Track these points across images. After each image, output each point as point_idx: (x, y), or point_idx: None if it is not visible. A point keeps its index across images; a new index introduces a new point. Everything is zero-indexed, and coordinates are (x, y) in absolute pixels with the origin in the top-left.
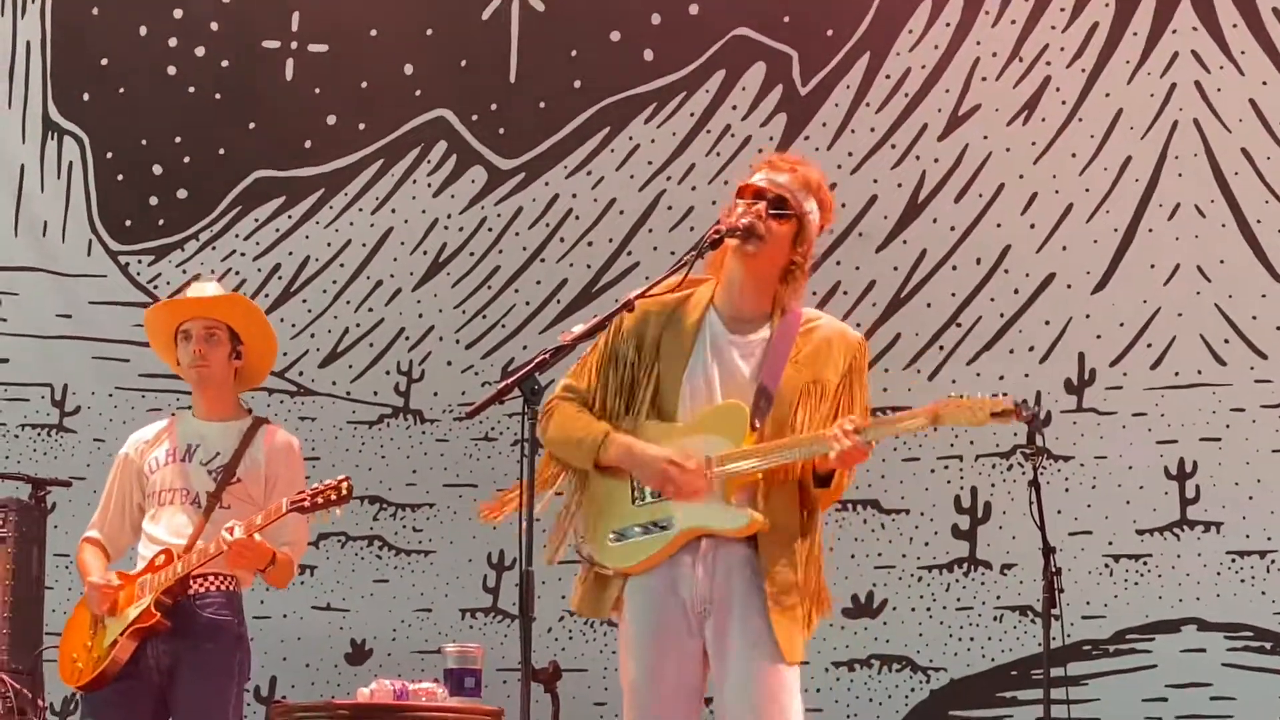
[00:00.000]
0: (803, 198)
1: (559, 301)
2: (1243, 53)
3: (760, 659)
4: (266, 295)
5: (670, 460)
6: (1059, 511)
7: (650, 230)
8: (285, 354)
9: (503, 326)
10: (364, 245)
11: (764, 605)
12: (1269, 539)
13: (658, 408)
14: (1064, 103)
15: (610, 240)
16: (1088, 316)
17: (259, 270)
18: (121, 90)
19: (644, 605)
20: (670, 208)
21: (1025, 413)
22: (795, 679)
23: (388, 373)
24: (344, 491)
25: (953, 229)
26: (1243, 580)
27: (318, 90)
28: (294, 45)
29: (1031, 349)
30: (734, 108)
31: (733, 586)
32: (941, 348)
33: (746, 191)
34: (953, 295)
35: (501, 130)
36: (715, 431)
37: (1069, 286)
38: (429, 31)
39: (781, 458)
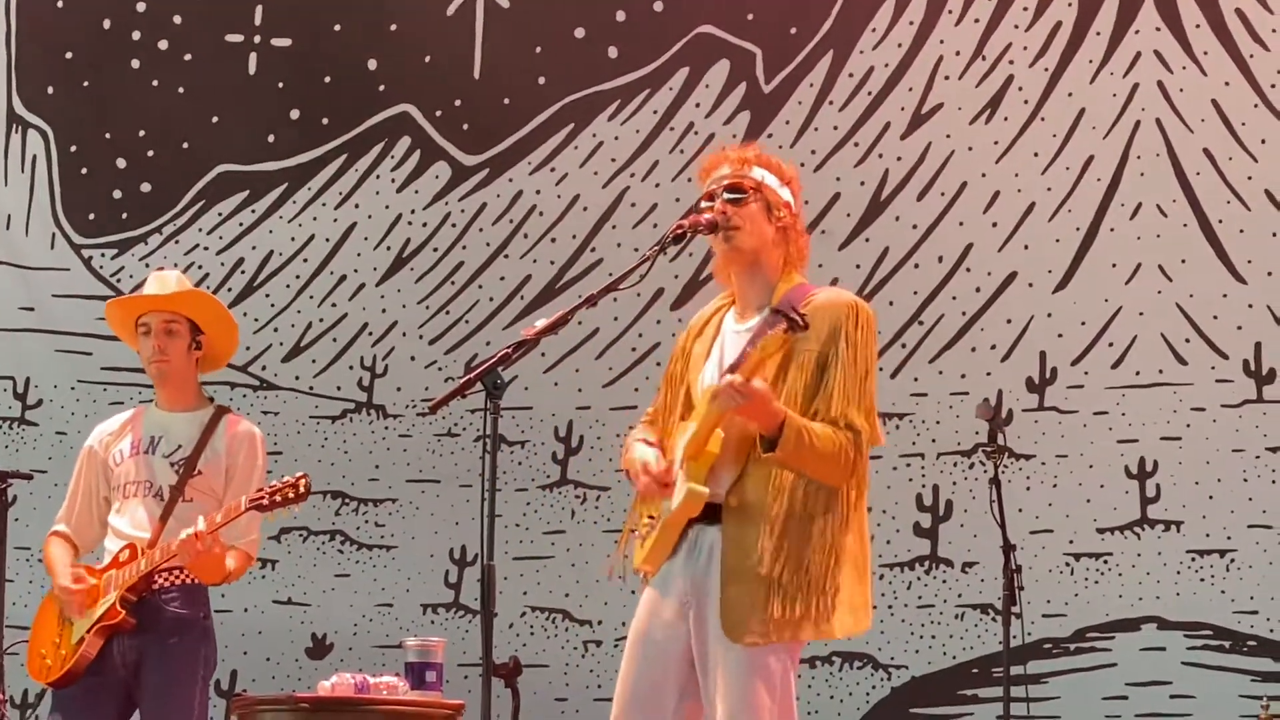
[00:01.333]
0: (748, 171)
1: (522, 298)
2: (1205, 53)
3: (721, 644)
4: (230, 289)
5: (643, 464)
6: (1020, 510)
7: (614, 227)
8: (248, 348)
9: (466, 322)
10: (327, 240)
11: (722, 584)
12: (1229, 538)
13: (689, 410)
14: (1026, 102)
15: (574, 237)
16: (1049, 315)
17: (222, 264)
18: (86, 83)
19: (644, 606)
20: (634, 204)
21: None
22: (767, 659)
23: (351, 368)
24: (301, 489)
25: (915, 227)
26: (1202, 579)
27: (281, 84)
28: (257, 39)
29: (993, 347)
30: (697, 105)
31: (709, 570)
32: (904, 346)
33: (704, 199)
34: (915, 293)
35: (465, 126)
36: (694, 418)
37: (1031, 285)
38: (393, 27)
39: (705, 424)
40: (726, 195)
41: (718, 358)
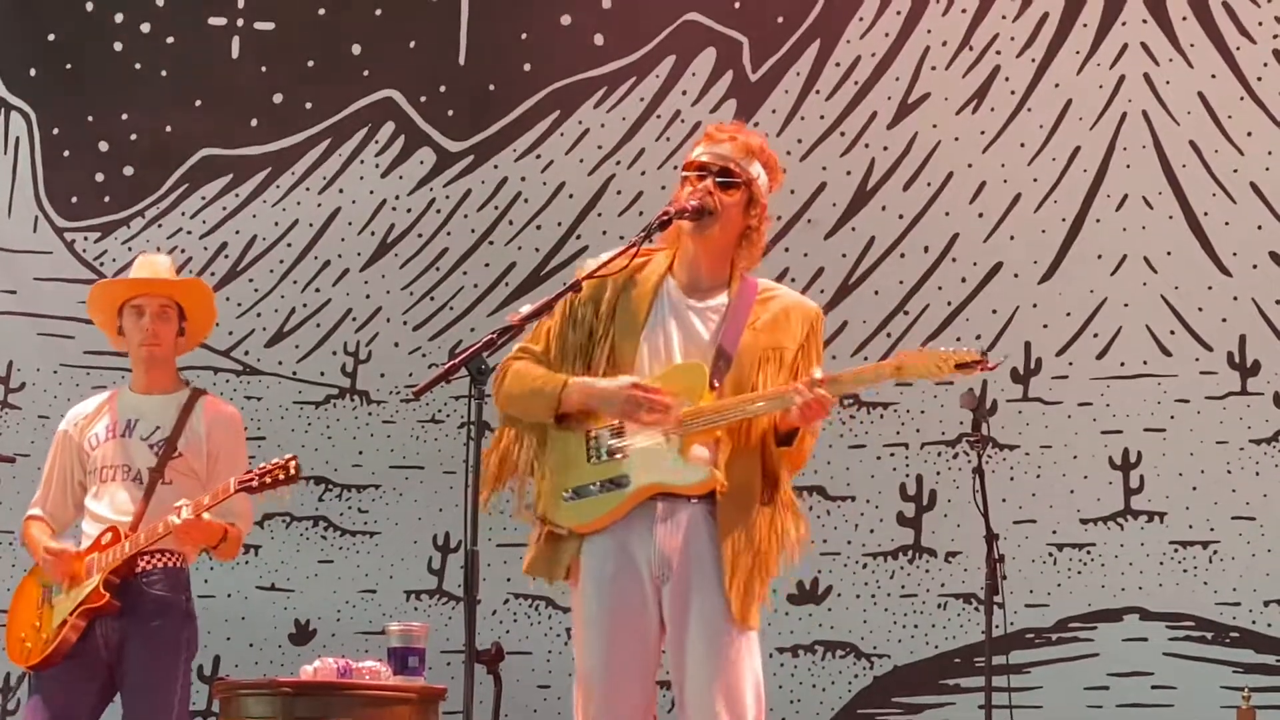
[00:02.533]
0: (747, 164)
1: (507, 284)
2: (1192, 45)
3: (720, 625)
4: (213, 274)
5: (635, 384)
6: (1004, 500)
7: (599, 214)
8: (231, 333)
9: (450, 309)
10: (311, 225)
11: (721, 570)
12: (1211, 529)
13: (615, 368)
14: (1013, 93)
15: (559, 224)
16: (1034, 306)
17: (205, 249)
18: (68, 66)
19: (599, 574)
20: (620, 192)
21: (991, 362)
22: (755, 645)
23: (334, 353)
24: (291, 471)
25: (901, 217)
26: (1185, 570)
27: (264, 68)
28: (240, 23)
29: (978, 337)
30: (684, 93)
31: (691, 550)
32: (889, 335)
33: (690, 167)
34: (900, 283)
35: (450, 112)
36: (673, 391)
37: (1016, 276)
38: (377, 12)
39: (743, 412)
40: (719, 177)
41: (668, 326)
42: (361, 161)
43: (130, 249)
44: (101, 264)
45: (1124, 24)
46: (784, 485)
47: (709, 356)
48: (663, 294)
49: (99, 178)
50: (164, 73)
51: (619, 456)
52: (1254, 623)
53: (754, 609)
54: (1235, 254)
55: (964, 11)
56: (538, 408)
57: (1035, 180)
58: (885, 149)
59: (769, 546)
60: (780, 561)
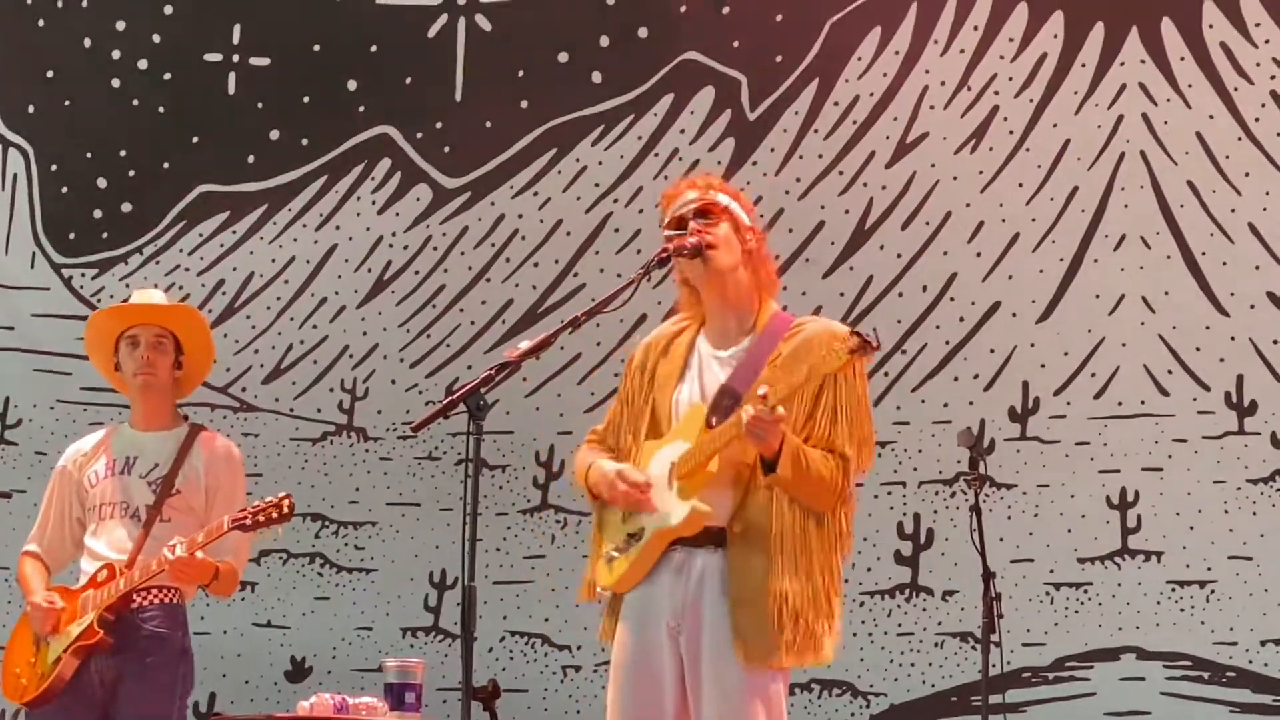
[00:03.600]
0: (711, 196)
1: (504, 322)
2: (1190, 86)
3: (728, 669)
4: (210, 310)
5: (618, 473)
6: (1001, 539)
7: (597, 252)
8: (228, 370)
9: (447, 346)
10: (308, 262)
11: (729, 608)
12: (1209, 569)
13: (656, 429)
14: (1011, 132)
15: (556, 261)
16: (1032, 345)
17: (203, 285)
18: (67, 102)
19: (626, 629)
20: (617, 230)
21: (874, 341)
22: (767, 684)
23: (331, 390)
24: (285, 510)
25: (899, 256)
26: (1182, 610)
27: (260, 105)
28: (236, 59)
29: (976, 377)
30: (682, 131)
31: (704, 595)
32: (886, 374)
33: (671, 226)
34: (898, 322)
35: (446, 149)
36: (681, 437)
37: (1014, 315)
38: (373, 48)
39: (714, 444)
40: (698, 219)
41: (694, 380)
42: (358, 198)
43: (128, 285)
44: (99, 300)
45: (1122, 64)
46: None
47: (712, 397)
48: (695, 352)
49: (97, 214)
50: (161, 109)
51: (642, 511)
52: (1250, 662)
53: (768, 651)
54: (1233, 294)
55: (962, 52)
56: (583, 488)
57: (1033, 220)
58: (884, 188)
59: (789, 585)
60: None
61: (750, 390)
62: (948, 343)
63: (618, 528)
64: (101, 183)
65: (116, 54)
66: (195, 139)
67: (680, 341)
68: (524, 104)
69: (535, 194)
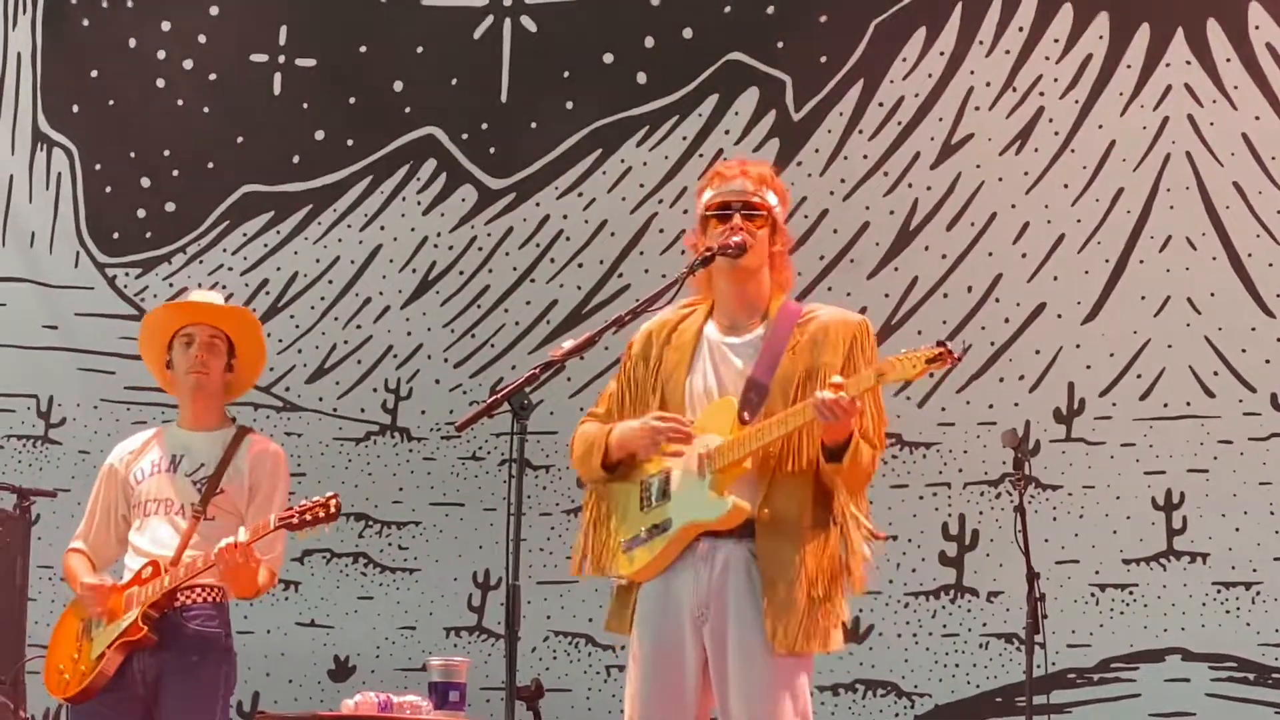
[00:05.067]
0: (764, 194)
1: (548, 322)
2: (1235, 87)
3: (758, 656)
4: (254, 310)
5: (656, 416)
6: (1046, 540)
7: (641, 253)
8: (272, 369)
9: (491, 346)
10: (352, 262)
11: (758, 598)
12: (1254, 570)
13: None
14: (1057, 133)
15: (601, 262)
16: (1078, 346)
17: (246, 285)
18: (111, 102)
19: (648, 618)
20: (662, 230)
21: (957, 352)
22: (795, 672)
23: (375, 390)
24: (332, 509)
25: (944, 257)
26: (1228, 611)
27: (306, 105)
28: (282, 59)
29: (1021, 378)
30: (726, 132)
31: (729, 583)
32: (931, 375)
33: (712, 207)
34: (944, 323)
35: (492, 150)
36: (709, 429)
37: (1059, 316)
38: (419, 49)
39: (763, 438)
40: (745, 212)
41: (707, 368)
42: (403, 199)
43: (171, 285)
44: (143, 300)
45: (1168, 65)
46: (841, 506)
47: (740, 389)
48: (703, 339)
49: (141, 214)
50: (206, 109)
51: (665, 501)
52: None
53: (798, 636)
54: (1279, 295)
55: (1008, 53)
56: (593, 462)
57: (1079, 221)
58: (928, 189)
59: (819, 572)
60: (842, 585)
61: (788, 381)
62: (993, 344)
63: (636, 516)
64: (145, 182)
65: (162, 54)
66: (240, 139)
67: (686, 328)
68: (569, 105)
69: (580, 194)
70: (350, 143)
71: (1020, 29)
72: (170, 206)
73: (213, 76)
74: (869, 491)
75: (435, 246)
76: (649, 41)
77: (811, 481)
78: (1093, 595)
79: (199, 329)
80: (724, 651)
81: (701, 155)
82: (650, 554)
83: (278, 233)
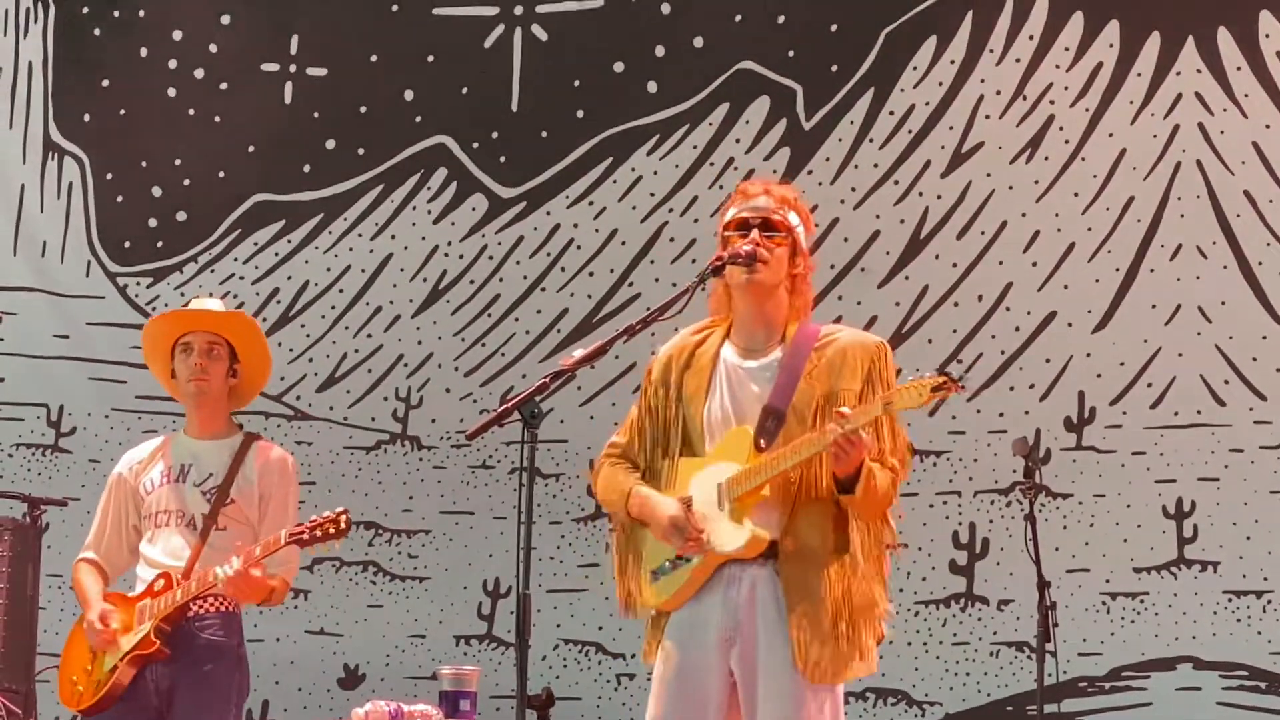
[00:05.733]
0: (785, 213)
1: (559, 331)
2: (1246, 95)
3: (787, 682)
4: (265, 319)
5: (671, 521)
6: (1057, 549)
7: (652, 261)
8: (283, 378)
9: (502, 355)
10: (363, 271)
11: (785, 625)
12: (1265, 579)
13: (689, 446)
14: (1067, 142)
15: (611, 271)
16: (1088, 355)
17: (257, 294)
18: (122, 111)
19: (674, 642)
20: (672, 239)
21: (961, 383)
22: (825, 698)
23: (385, 399)
24: (342, 525)
25: (955, 265)
26: (1239, 620)
27: (316, 114)
28: (293, 69)
29: (1032, 386)
30: (737, 141)
31: (756, 610)
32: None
33: (732, 226)
34: (954, 331)
35: (503, 159)
36: (726, 458)
37: (1070, 325)
38: (430, 58)
39: (780, 465)
40: (762, 229)
41: (723, 393)
42: (414, 208)
43: (183, 294)
44: (153, 309)
45: (1178, 74)
46: (856, 536)
47: (756, 416)
48: (720, 362)
49: (152, 223)
50: (217, 119)
51: None
52: None
53: (828, 664)
54: None
55: (1018, 61)
56: (617, 510)
57: (1089, 230)
58: (939, 198)
59: (845, 597)
60: (867, 613)
61: (805, 406)
62: (1003, 352)
63: (658, 548)
64: (157, 191)
65: (173, 64)
66: (251, 148)
67: (704, 352)
68: (580, 114)
69: (590, 203)
70: (361, 151)
71: (1031, 37)
72: (181, 216)
73: (224, 86)
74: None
75: (446, 255)
76: (660, 50)
77: (833, 507)
78: (1104, 604)
79: (197, 336)
80: (753, 677)
81: (712, 164)
82: (675, 585)
83: (289, 242)
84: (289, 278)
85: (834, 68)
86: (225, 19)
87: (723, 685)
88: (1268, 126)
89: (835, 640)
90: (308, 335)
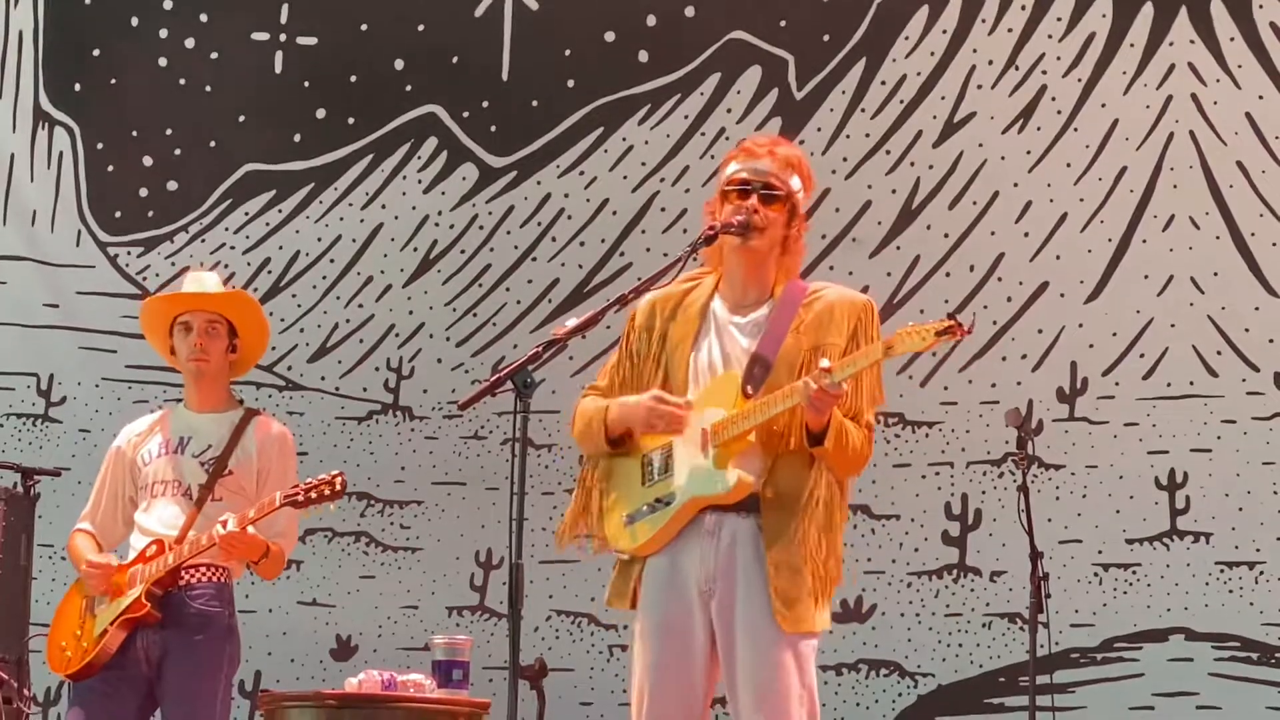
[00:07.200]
0: (787, 177)
1: (550, 301)
2: (1239, 66)
3: (765, 633)
4: (256, 289)
5: (654, 396)
6: (1049, 520)
7: (643, 231)
8: (274, 348)
9: (493, 325)
10: (354, 241)
11: (765, 575)
12: (1258, 550)
13: (669, 391)
14: (1059, 112)
15: (602, 241)
16: (1080, 326)
17: (248, 264)
18: (113, 81)
19: (654, 593)
20: (663, 209)
21: (966, 325)
22: (804, 649)
23: (377, 369)
24: (338, 487)
25: (946, 236)
26: (1231, 591)
27: (307, 84)
28: (283, 38)
29: (1024, 357)
30: (729, 111)
31: (736, 559)
32: (934, 354)
33: (732, 183)
34: (946, 302)
35: (493, 128)
36: (712, 403)
37: (1062, 295)
38: (420, 27)
39: (764, 414)
40: (763, 191)
41: (713, 343)
42: (404, 177)
43: (174, 264)
44: (144, 278)
45: (1171, 44)
46: (822, 485)
47: (744, 365)
48: (709, 314)
49: (143, 192)
50: (208, 88)
51: (668, 476)
52: None
53: (804, 614)
54: None
55: (1010, 31)
56: (594, 436)
57: (1081, 200)
58: (931, 168)
59: (819, 550)
60: (836, 567)
61: (792, 357)
62: (995, 323)
63: (638, 491)
64: (147, 161)
65: (164, 33)
66: (242, 118)
67: (692, 301)
68: (570, 83)
69: (581, 173)
70: (351, 121)
71: (1023, 7)
72: (172, 185)
73: (214, 55)
74: (872, 471)
75: (436, 225)
76: (651, 20)
77: (809, 461)
78: (1096, 575)
79: (195, 315)
80: (731, 628)
81: (704, 134)
82: (653, 528)
83: (279, 211)
84: (280, 247)
85: (826, 37)
86: None
87: (706, 638)
88: (1261, 97)
89: (811, 592)
90: (299, 305)
